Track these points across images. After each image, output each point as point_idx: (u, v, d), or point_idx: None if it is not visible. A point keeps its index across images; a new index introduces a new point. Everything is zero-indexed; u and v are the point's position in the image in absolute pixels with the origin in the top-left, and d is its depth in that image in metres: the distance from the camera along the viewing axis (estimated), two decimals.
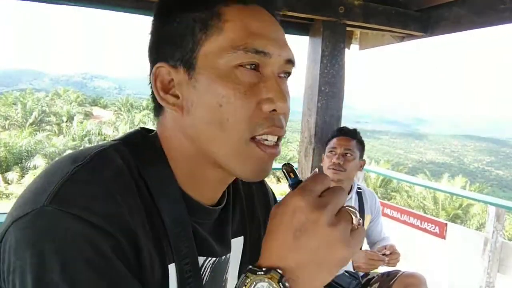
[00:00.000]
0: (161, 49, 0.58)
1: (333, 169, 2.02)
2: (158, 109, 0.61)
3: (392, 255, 1.94)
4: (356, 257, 1.94)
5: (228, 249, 0.68)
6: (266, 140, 0.56)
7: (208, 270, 0.64)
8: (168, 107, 0.57)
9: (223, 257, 0.67)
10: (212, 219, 0.65)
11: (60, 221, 0.46)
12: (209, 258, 0.64)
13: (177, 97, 0.56)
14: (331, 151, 2.06)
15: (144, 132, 0.63)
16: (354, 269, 1.98)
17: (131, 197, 0.52)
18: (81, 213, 0.47)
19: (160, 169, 0.58)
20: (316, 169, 2.08)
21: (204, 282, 0.63)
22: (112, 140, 0.59)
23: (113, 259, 0.47)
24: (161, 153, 0.60)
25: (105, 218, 0.48)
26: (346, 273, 2.06)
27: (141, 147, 0.59)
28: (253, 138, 0.55)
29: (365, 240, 2.27)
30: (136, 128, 0.64)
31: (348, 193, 2.14)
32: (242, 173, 0.58)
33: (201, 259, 0.62)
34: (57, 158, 0.57)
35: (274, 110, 0.55)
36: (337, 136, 2.10)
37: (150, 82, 0.59)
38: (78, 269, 0.45)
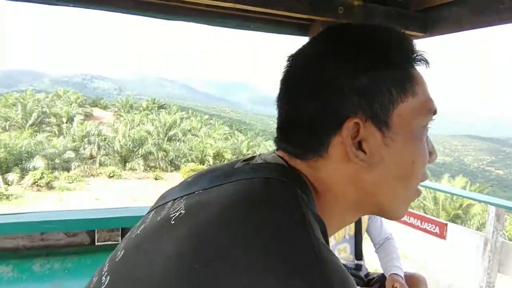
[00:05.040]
0: (347, 100, 0.55)
1: None
2: (316, 154, 0.57)
3: None
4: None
5: None
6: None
7: None
8: (356, 162, 0.56)
9: None
10: None
11: None
12: None
13: (364, 152, 0.56)
14: None
15: (293, 171, 0.59)
16: None
17: None
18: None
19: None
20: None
21: None
22: (271, 170, 0.57)
23: None
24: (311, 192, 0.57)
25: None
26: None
27: (304, 187, 0.56)
28: None
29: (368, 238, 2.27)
30: (275, 157, 0.61)
31: None
32: (400, 215, 0.63)
33: None
34: (246, 207, 0.51)
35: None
36: None
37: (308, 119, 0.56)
38: None
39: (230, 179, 0.57)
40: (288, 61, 0.61)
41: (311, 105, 0.56)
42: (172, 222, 0.53)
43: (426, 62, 0.60)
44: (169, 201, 0.62)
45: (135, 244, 0.56)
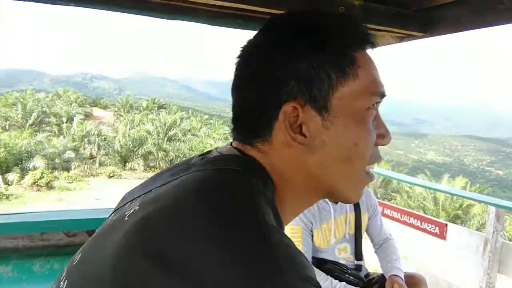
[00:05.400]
0: (285, 86, 0.56)
1: None
2: (261, 138, 0.59)
3: None
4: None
5: None
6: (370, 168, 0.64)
7: None
8: (295, 145, 0.57)
9: None
10: None
11: None
12: None
13: (304, 136, 0.57)
14: None
15: (248, 159, 0.59)
16: None
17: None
18: (309, 275, 0.45)
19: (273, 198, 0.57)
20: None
21: None
22: (228, 161, 0.57)
23: None
24: (271, 182, 0.58)
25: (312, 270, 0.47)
26: (350, 275, 2.05)
27: (261, 178, 0.56)
28: None
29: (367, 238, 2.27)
30: (230, 149, 0.62)
31: None
32: (352, 198, 0.64)
33: None
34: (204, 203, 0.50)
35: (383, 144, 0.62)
36: None
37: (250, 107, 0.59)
38: None
39: (186, 173, 0.58)
40: (240, 52, 0.63)
41: (254, 92, 0.58)
42: (126, 219, 0.53)
43: (372, 44, 0.60)
44: (127, 203, 0.62)
45: (91, 245, 0.57)
